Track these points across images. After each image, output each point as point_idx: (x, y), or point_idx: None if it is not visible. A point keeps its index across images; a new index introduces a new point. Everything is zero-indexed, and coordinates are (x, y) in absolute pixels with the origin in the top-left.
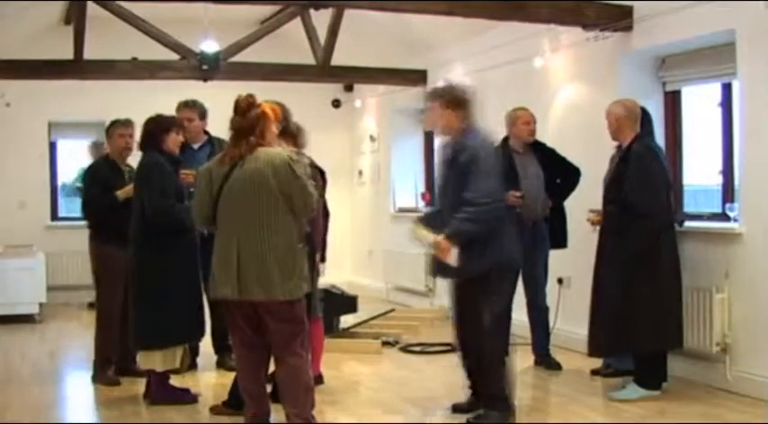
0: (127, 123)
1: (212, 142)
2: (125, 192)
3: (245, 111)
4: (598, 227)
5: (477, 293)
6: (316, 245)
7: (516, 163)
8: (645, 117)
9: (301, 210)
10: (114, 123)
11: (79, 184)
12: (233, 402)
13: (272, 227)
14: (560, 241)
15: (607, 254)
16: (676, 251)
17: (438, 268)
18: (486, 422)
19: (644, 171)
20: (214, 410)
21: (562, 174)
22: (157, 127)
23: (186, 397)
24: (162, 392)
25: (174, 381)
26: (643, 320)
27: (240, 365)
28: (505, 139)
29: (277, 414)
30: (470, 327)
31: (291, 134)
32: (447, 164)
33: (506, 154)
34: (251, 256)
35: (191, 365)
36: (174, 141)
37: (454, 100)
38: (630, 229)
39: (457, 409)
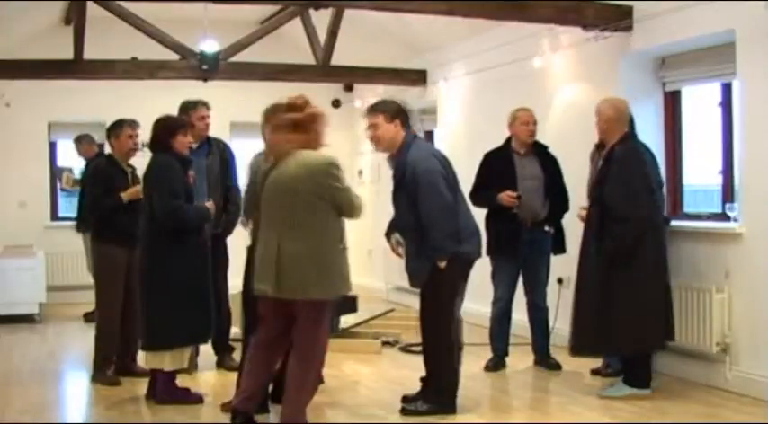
0: (134, 124)
1: (210, 141)
2: (130, 194)
3: (299, 109)
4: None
5: (433, 287)
6: None
7: (516, 163)
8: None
9: (348, 213)
10: (121, 123)
11: (77, 177)
12: None
13: (309, 228)
14: (558, 248)
15: (588, 255)
16: (662, 251)
17: (412, 277)
18: (415, 409)
19: (624, 174)
20: (224, 407)
21: (554, 192)
22: (167, 128)
23: (192, 397)
24: (168, 392)
25: (176, 381)
26: (623, 321)
27: (249, 362)
28: (508, 139)
29: (273, 415)
30: (424, 319)
31: None
32: (395, 181)
33: (507, 154)
34: (289, 255)
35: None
36: (182, 142)
37: (397, 112)
38: (610, 232)
39: (406, 399)
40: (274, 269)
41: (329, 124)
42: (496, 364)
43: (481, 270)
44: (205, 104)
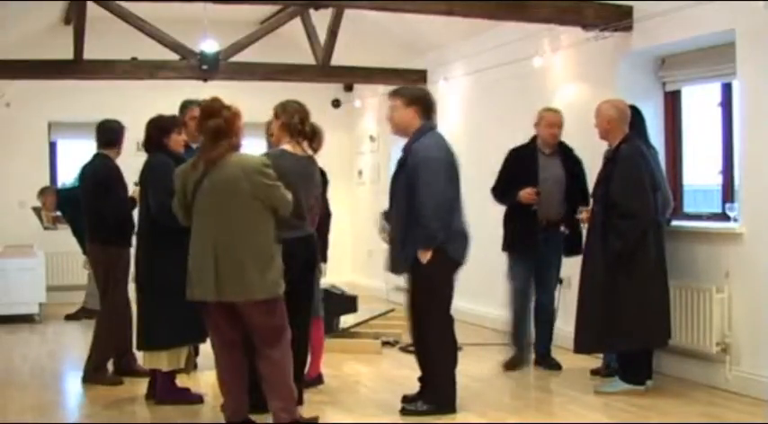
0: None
1: None
2: (134, 192)
3: (218, 113)
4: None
5: (422, 286)
6: (315, 246)
7: (539, 162)
8: (637, 116)
9: (282, 209)
10: (121, 128)
11: (57, 214)
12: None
13: (248, 229)
14: (575, 249)
15: (592, 253)
16: (662, 250)
17: (391, 264)
18: (415, 409)
19: (631, 172)
20: (223, 407)
21: (574, 194)
22: (159, 127)
23: (191, 397)
24: (168, 391)
25: (176, 381)
26: (627, 318)
27: (221, 365)
28: (534, 138)
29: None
30: (419, 320)
31: (307, 135)
32: (398, 165)
33: (532, 152)
34: (227, 258)
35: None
36: (176, 141)
37: (416, 98)
38: (615, 229)
39: (406, 400)
40: (213, 272)
41: (242, 118)
42: (521, 360)
43: (482, 270)
44: (195, 103)
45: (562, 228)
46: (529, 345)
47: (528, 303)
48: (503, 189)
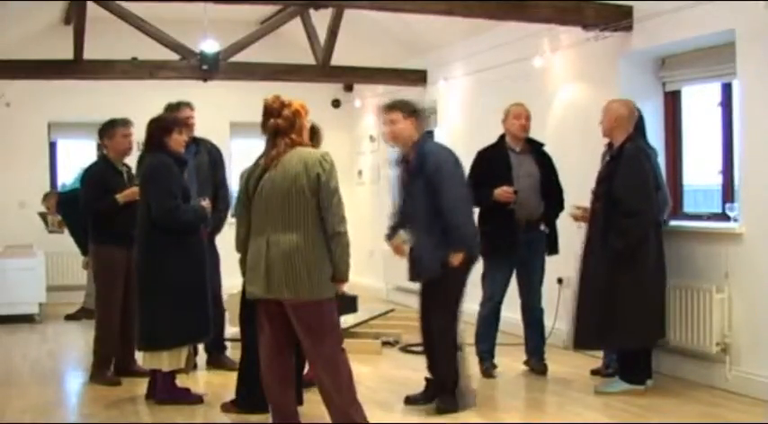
0: (128, 123)
1: (196, 141)
2: (125, 196)
3: (279, 112)
4: (583, 224)
5: (442, 285)
6: None
7: (511, 160)
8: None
9: (330, 208)
10: (113, 123)
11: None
12: (240, 403)
13: (302, 227)
14: (551, 249)
15: (593, 250)
16: (662, 249)
17: (415, 271)
18: (447, 407)
19: (636, 170)
20: (224, 407)
21: (550, 191)
22: (160, 127)
23: (191, 397)
24: (168, 391)
25: (176, 381)
26: (627, 316)
27: (264, 369)
28: (502, 136)
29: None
30: (429, 320)
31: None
32: (412, 175)
33: (501, 151)
34: (279, 255)
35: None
36: (177, 141)
37: (414, 110)
38: (617, 227)
39: (410, 400)
40: (264, 269)
41: (309, 112)
42: (488, 369)
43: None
44: (188, 105)
45: (542, 227)
46: (491, 356)
47: (497, 310)
48: (475, 190)
